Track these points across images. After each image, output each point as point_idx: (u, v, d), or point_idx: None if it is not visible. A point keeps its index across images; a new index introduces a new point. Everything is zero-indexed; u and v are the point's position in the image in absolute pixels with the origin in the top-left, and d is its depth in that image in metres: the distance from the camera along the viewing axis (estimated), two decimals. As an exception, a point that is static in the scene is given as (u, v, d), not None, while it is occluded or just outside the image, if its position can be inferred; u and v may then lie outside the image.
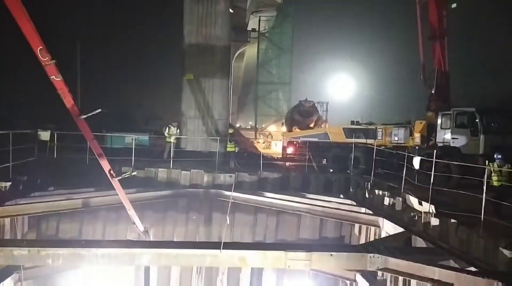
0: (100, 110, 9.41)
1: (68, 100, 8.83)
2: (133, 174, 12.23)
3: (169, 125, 19.58)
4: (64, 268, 12.74)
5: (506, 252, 7.80)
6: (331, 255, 9.34)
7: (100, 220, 15.33)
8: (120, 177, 10.65)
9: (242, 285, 15.85)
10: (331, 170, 18.96)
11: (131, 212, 11.41)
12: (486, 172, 9.96)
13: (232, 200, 11.61)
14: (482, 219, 8.91)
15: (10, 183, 13.10)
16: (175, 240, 15.23)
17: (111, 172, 10.33)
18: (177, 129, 19.84)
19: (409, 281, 10.42)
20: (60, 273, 13.26)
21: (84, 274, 14.01)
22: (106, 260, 9.31)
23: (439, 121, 15.99)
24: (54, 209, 13.13)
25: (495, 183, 10.29)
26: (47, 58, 8.20)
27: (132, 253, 9.20)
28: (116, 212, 14.63)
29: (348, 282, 13.57)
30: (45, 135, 17.35)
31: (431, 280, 8.52)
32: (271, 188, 16.23)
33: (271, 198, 15.32)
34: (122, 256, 9.29)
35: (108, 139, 21.31)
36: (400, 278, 10.98)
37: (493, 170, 10.31)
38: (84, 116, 9.39)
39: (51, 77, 8.46)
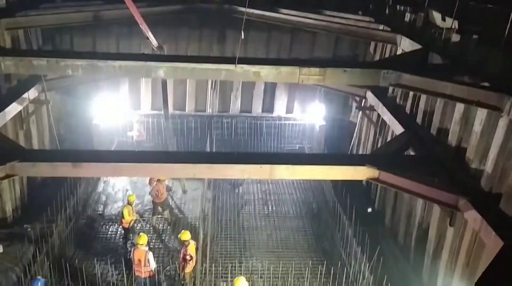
0: None
1: None
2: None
3: None
4: (84, 80, 13.18)
5: (524, 67, 7.66)
6: (345, 71, 9.32)
7: (113, 35, 15.26)
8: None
9: (255, 100, 16.52)
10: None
11: (144, 26, 11.14)
12: None
13: (246, 16, 11.15)
14: (506, 34, 8.52)
15: (16, -6, 12.62)
16: (189, 56, 15.28)
17: (119, -19, 9.74)
18: None
19: (420, 96, 10.64)
20: (81, 84, 13.80)
21: (104, 85, 14.56)
22: (123, 72, 9.50)
23: None
24: (65, 21, 12.91)
25: None
26: None
27: (149, 65, 9.26)
28: (128, 27, 14.39)
29: (357, 98, 13.93)
30: None
31: (443, 94, 8.61)
32: (287, 4, 15.42)
33: (286, 15, 14.72)
34: (139, 68, 9.41)
35: None
36: (411, 94, 11.21)
37: None
38: None
39: None
